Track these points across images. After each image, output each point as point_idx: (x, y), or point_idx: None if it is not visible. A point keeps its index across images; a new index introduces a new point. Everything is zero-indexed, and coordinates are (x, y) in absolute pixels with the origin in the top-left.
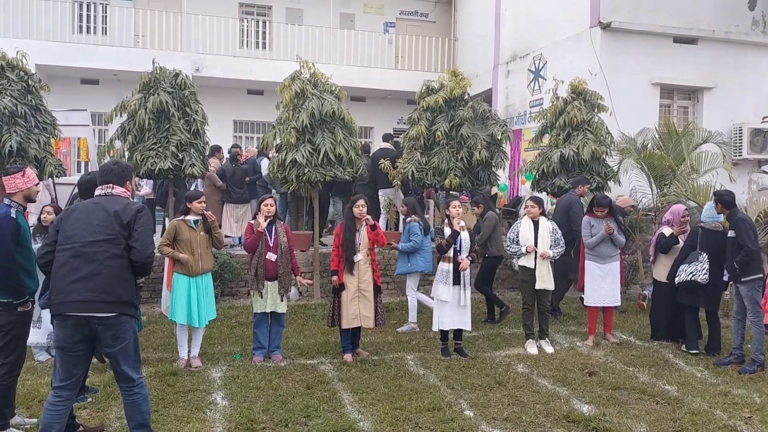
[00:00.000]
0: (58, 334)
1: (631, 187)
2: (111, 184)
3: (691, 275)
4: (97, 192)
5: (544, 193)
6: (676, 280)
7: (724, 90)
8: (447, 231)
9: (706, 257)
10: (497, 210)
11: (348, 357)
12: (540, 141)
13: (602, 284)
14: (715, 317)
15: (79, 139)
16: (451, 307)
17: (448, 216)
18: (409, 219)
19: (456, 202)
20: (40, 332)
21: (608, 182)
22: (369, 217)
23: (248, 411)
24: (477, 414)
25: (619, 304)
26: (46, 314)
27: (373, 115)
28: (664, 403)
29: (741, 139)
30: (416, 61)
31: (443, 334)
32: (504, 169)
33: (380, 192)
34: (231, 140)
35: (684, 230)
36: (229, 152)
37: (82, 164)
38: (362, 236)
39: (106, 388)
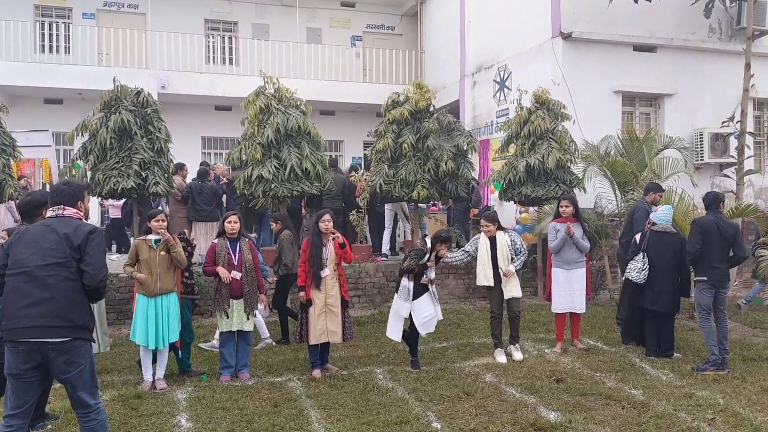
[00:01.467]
0: (9, 360)
1: (596, 193)
2: (62, 206)
3: (627, 272)
4: (48, 213)
5: (512, 202)
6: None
7: (684, 96)
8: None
9: (642, 257)
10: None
11: (317, 373)
12: (506, 151)
13: (568, 290)
14: (668, 319)
15: (41, 159)
16: (427, 313)
17: (435, 252)
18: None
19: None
20: None
21: (573, 190)
22: (338, 233)
23: None
24: (444, 425)
25: (584, 310)
26: None
27: (343, 128)
28: (630, 407)
29: (702, 144)
30: (384, 74)
31: (412, 347)
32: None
33: (386, 206)
34: (200, 157)
35: None
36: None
37: (46, 185)
38: (329, 251)
39: (67, 414)
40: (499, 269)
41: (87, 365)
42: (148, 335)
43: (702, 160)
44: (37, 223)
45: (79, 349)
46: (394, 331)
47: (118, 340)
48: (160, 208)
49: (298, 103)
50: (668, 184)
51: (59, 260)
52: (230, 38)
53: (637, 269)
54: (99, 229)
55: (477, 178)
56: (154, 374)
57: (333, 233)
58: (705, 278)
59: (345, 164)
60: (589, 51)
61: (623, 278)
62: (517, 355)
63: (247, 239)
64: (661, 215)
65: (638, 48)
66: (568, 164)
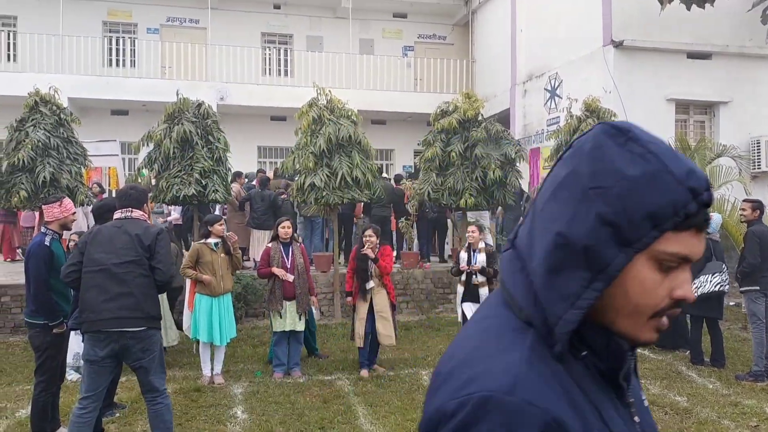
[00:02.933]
0: (88, 349)
1: None
2: (130, 208)
3: (718, 286)
4: (117, 215)
5: None
6: (698, 291)
7: (740, 104)
8: (463, 256)
9: (726, 267)
10: None
11: (364, 373)
12: (554, 159)
13: None
14: (717, 327)
15: (109, 168)
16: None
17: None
18: None
19: (473, 227)
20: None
21: None
22: (369, 251)
23: (266, 423)
24: None
25: None
26: (71, 337)
27: (394, 137)
28: (673, 413)
29: (759, 152)
30: (435, 84)
31: None
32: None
33: (469, 214)
34: (255, 165)
35: None
36: (253, 177)
37: (113, 192)
38: (373, 264)
39: (133, 404)
40: None
41: (158, 352)
42: (212, 332)
43: (759, 168)
44: (108, 224)
45: (153, 337)
46: None
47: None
48: (218, 214)
49: (349, 113)
50: (721, 193)
51: (133, 258)
52: (285, 50)
53: (727, 281)
54: (164, 231)
55: (522, 186)
56: (212, 369)
57: (368, 254)
58: (758, 287)
59: (395, 173)
60: (641, 59)
61: (707, 291)
62: None
63: (299, 243)
64: (714, 224)
65: (692, 55)
66: None
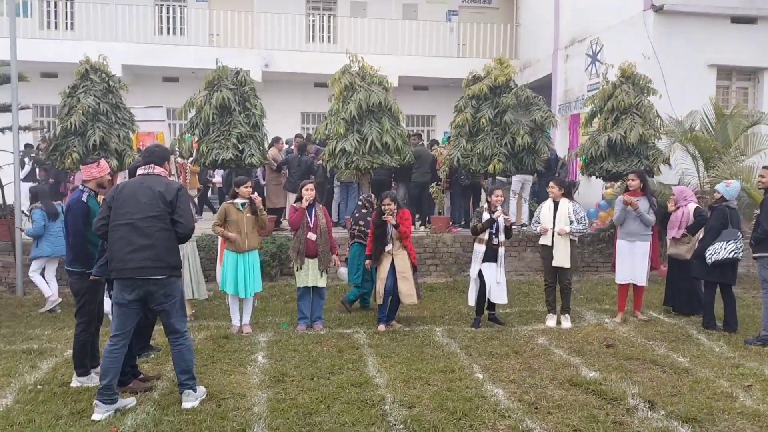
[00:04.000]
0: (117, 293)
1: (678, 169)
2: (153, 164)
3: (733, 252)
4: (140, 171)
5: (594, 177)
6: (712, 258)
7: None
8: (485, 216)
9: (740, 235)
10: None
11: (381, 327)
12: (590, 125)
13: (630, 262)
14: (731, 292)
15: (157, 133)
16: (489, 280)
17: (489, 202)
18: (32, 207)
19: (499, 191)
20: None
21: (657, 165)
22: (391, 218)
23: (282, 367)
24: (486, 376)
25: (644, 284)
26: None
27: (436, 103)
28: (671, 372)
29: None
30: (479, 49)
31: (477, 308)
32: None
33: (515, 178)
34: (299, 131)
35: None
36: (292, 143)
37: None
38: (392, 228)
39: (167, 347)
40: (555, 231)
41: (178, 298)
42: (237, 286)
43: None
44: (132, 180)
45: (174, 284)
46: (471, 293)
47: (218, 293)
48: (245, 177)
49: (381, 80)
50: (753, 161)
51: (156, 213)
52: (329, 17)
53: (741, 248)
54: (183, 187)
55: (557, 152)
56: (241, 320)
57: (388, 219)
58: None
59: (437, 137)
60: (682, 23)
61: (721, 258)
62: (566, 324)
63: (321, 205)
64: (733, 191)
65: (736, 20)
66: (653, 140)
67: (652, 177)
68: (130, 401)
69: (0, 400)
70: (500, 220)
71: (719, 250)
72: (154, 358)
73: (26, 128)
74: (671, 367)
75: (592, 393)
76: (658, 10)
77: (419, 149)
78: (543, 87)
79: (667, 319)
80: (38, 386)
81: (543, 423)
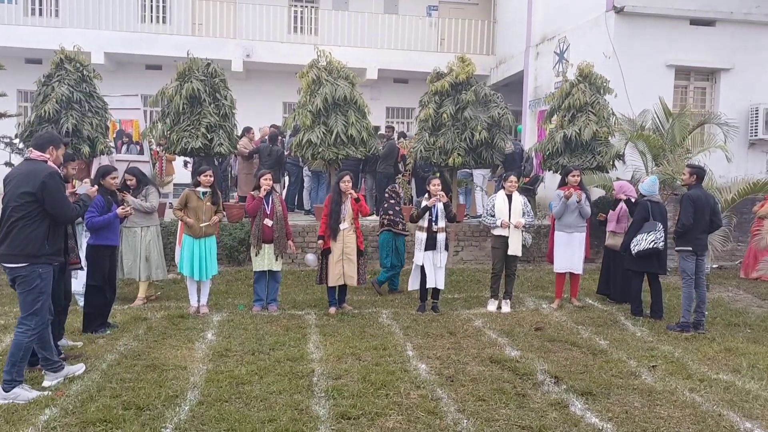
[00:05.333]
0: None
1: (629, 166)
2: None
3: (652, 243)
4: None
5: (551, 171)
6: (635, 249)
7: (742, 71)
8: (423, 203)
9: (661, 226)
10: None
11: (332, 310)
12: (548, 122)
13: (568, 253)
14: (658, 282)
15: (131, 121)
16: (428, 269)
17: (428, 191)
18: None
19: (436, 180)
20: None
21: (611, 161)
22: (353, 191)
23: (228, 343)
24: (415, 354)
25: (581, 272)
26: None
27: (415, 96)
28: (588, 353)
29: (757, 120)
30: (458, 44)
31: (422, 294)
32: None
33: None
34: (281, 121)
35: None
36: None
37: (137, 144)
38: (347, 208)
39: (123, 325)
40: (510, 222)
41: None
42: (193, 269)
43: (756, 135)
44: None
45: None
46: (412, 279)
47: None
48: (207, 166)
49: (348, 74)
50: (698, 160)
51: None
52: (312, 9)
53: (662, 238)
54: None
55: (523, 147)
56: (199, 301)
57: (350, 192)
58: (690, 248)
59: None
60: (642, 25)
61: (642, 248)
62: (505, 309)
63: (278, 194)
64: (652, 189)
65: (695, 22)
66: (608, 137)
67: (607, 173)
68: (78, 367)
69: None
70: (439, 206)
71: (641, 241)
72: (110, 334)
73: (2, 115)
74: (589, 348)
75: (507, 369)
76: (619, 11)
77: (392, 142)
78: (516, 83)
79: (600, 305)
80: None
81: (453, 393)
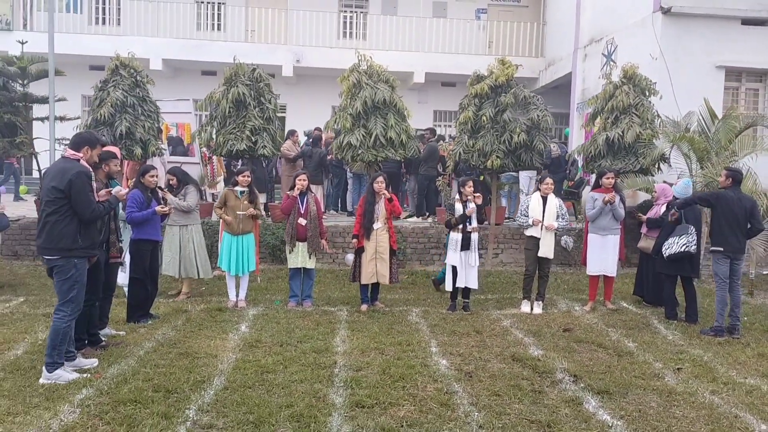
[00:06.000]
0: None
1: (677, 169)
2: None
3: (684, 247)
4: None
5: (593, 175)
6: (667, 252)
7: None
8: (458, 207)
9: (694, 230)
10: None
11: (364, 307)
12: (592, 125)
13: (602, 255)
14: (692, 285)
15: (185, 124)
16: (461, 269)
17: (460, 192)
18: None
19: (470, 182)
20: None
21: (656, 164)
22: (386, 191)
23: (258, 334)
24: (439, 350)
25: (615, 274)
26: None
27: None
28: (614, 354)
29: None
30: (507, 46)
31: (453, 293)
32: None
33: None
34: None
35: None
36: (308, 135)
37: (188, 145)
38: (380, 207)
39: (164, 316)
40: (544, 225)
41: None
42: (231, 264)
43: None
44: None
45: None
46: (448, 280)
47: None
48: (245, 167)
49: (388, 78)
50: (744, 163)
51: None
52: (361, 14)
53: (694, 242)
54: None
55: (566, 150)
56: (237, 295)
57: (383, 193)
58: (720, 249)
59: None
60: (690, 25)
61: (674, 252)
62: (537, 310)
63: (312, 194)
64: (680, 189)
65: (747, 21)
66: (652, 139)
67: (652, 176)
68: (90, 362)
69: (13, 351)
70: (470, 205)
71: (672, 245)
72: (151, 325)
73: (62, 118)
74: (615, 350)
75: (527, 367)
76: (666, 11)
77: (432, 145)
78: (565, 85)
79: (634, 308)
80: None
81: (469, 387)
